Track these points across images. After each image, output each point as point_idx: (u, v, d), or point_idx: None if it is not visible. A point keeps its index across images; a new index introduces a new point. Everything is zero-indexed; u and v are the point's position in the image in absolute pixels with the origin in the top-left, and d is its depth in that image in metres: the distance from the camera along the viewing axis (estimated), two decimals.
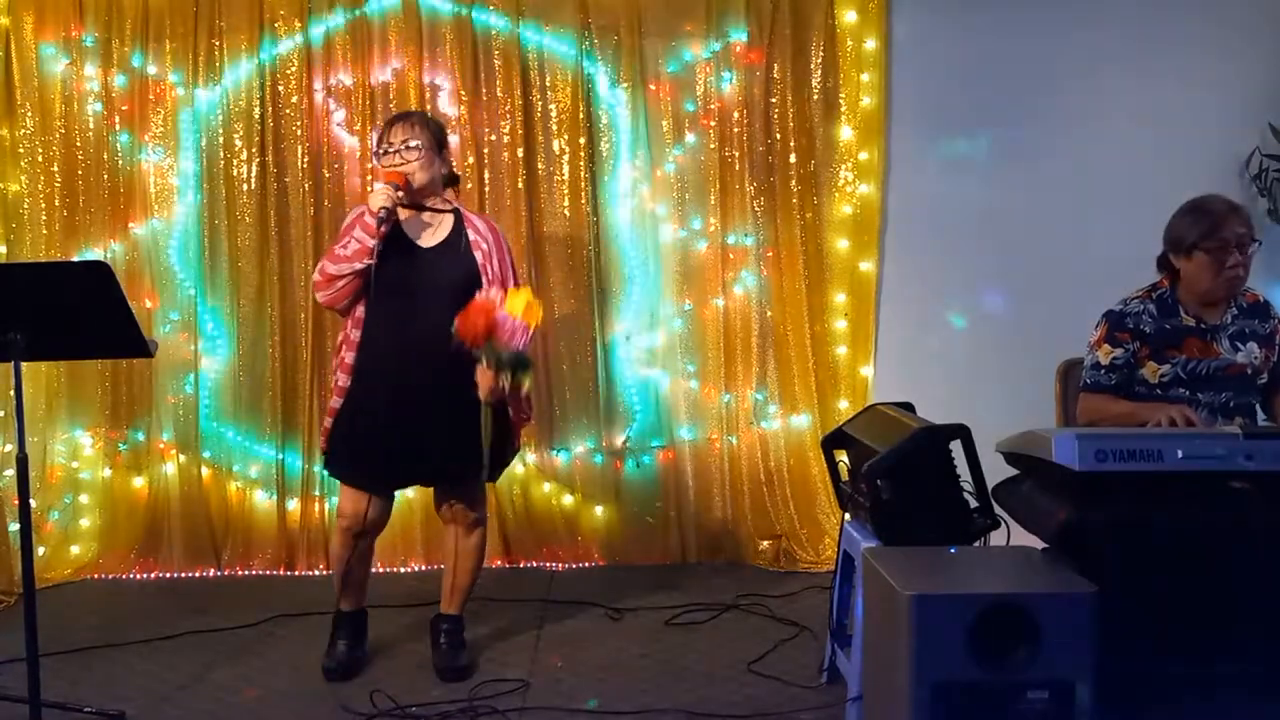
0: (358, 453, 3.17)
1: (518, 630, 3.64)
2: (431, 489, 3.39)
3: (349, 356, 3.16)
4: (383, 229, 3.03)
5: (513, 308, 3.02)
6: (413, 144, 3.13)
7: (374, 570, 4.19)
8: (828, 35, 4.30)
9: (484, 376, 3.04)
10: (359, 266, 3.05)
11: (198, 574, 4.29)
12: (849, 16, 4.31)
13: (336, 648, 3.30)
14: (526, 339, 3.04)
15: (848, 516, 3.02)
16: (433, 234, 3.21)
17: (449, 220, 3.23)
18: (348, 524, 3.20)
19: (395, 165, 3.12)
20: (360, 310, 3.15)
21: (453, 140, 4.29)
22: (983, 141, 4.40)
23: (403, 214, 3.18)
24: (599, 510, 4.40)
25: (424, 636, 3.41)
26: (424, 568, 4.29)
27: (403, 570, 4.31)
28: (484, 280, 3.15)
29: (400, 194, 3.10)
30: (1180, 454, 2.34)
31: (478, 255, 3.18)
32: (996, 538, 2.77)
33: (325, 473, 3.74)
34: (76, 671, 3.29)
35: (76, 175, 4.29)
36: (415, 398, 3.11)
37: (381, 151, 3.17)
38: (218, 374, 4.35)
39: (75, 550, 4.31)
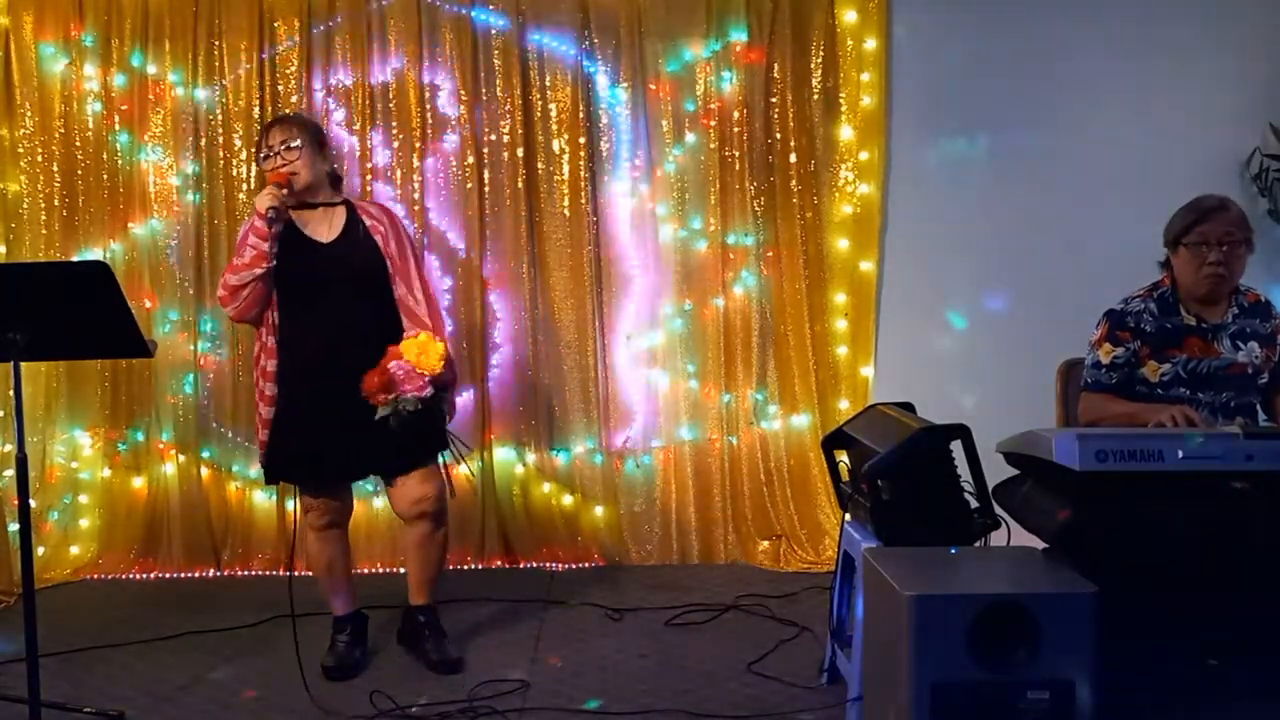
0: (299, 457, 3.18)
1: (518, 630, 3.64)
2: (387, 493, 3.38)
3: (270, 364, 3.16)
4: (274, 229, 3.04)
5: (407, 353, 3.05)
6: (292, 144, 3.15)
7: (374, 570, 4.25)
8: (828, 35, 4.30)
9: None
10: (259, 272, 3.06)
11: (197, 574, 4.29)
12: (849, 16, 4.31)
13: (336, 647, 3.32)
14: (424, 383, 3.05)
15: (848, 516, 3.02)
16: (329, 229, 3.22)
17: (341, 212, 3.25)
18: (315, 518, 3.24)
19: (277, 167, 3.14)
20: (274, 316, 3.16)
21: (453, 140, 4.30)
22: (983, 141, 4.39)
23: (294, 214, 3.18)
24: (599, 510, 4.39)
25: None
26: None
27: (402, 570, 4.29)
28: (387, 260, 3.18)
29: (285, 193, 3.11)
30: (1181, 454, 2.33)
31: (377, 239, 3.21)
32: (996, 538, 2.77)
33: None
34: (76, 671, 3.29)
35: (76, 175, 4.29)
36: (344, 392, 3.09)
37: (262, 156, 3.19)
38: (217, 374, 4.35)
39: (75, 550, 4.31)
